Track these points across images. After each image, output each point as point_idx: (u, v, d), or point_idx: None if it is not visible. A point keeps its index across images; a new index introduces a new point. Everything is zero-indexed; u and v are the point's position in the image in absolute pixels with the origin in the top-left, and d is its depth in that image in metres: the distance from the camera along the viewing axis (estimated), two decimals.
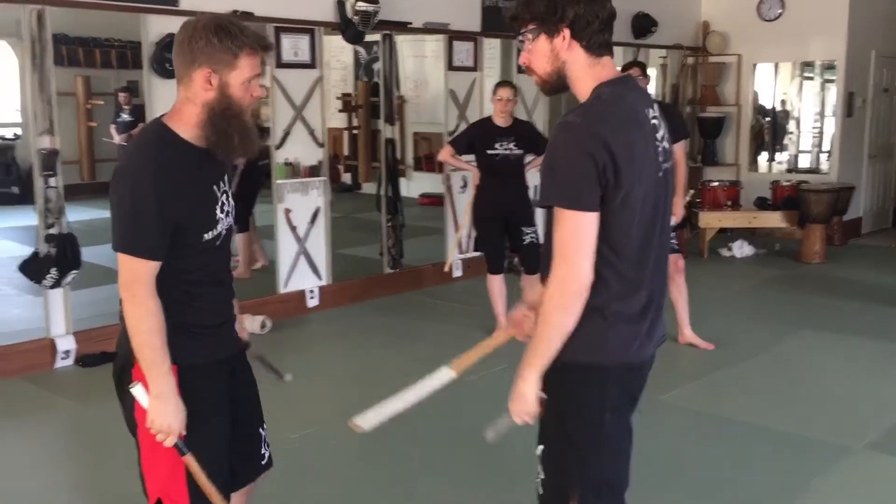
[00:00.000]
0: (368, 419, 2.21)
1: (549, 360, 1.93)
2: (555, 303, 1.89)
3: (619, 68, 5.73)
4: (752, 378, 4.85)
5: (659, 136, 2.00)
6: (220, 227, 2.11)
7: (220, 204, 2.10)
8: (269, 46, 2.07)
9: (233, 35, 1.96)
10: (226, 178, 2.16)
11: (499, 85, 5.46)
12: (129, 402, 2.10)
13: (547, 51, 1.97)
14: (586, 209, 1.86)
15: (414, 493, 3.47)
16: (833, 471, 3.63)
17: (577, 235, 1.86)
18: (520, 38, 2.00)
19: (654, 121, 1.99)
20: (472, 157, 5.52)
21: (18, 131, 10.02)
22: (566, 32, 1.94)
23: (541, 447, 2.08)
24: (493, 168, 5.34)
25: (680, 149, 5.25)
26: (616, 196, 1.87)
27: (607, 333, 1.96)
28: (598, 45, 1.96)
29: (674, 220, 5.12)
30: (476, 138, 5.43)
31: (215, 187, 2.09)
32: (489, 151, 5.34)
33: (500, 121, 5.37)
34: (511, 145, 5.32)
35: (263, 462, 2.38)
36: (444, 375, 2.20)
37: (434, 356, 5.03)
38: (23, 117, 10.00)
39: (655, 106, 2.04)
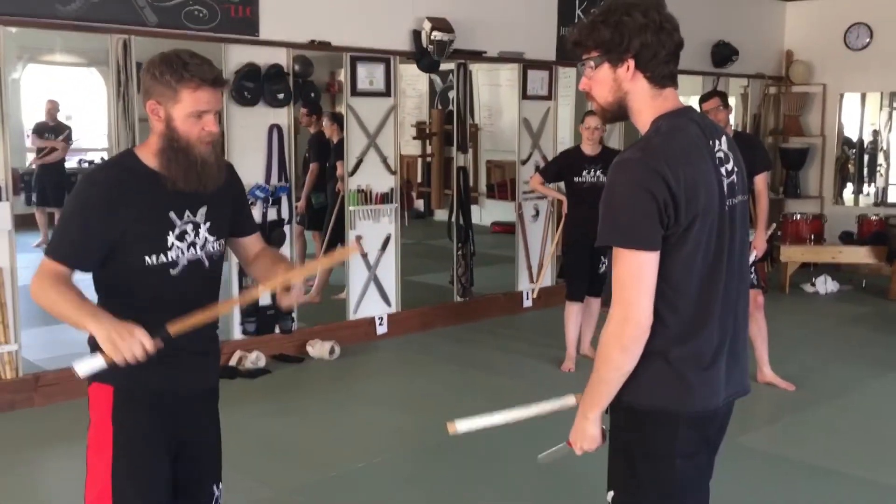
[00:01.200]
0: (466, 423, 2.06)
1: (609, 400, 1.90)
2: (614, 343, 1.83)
3: (697, 97, 5.74)
4: (836, 422, 4.63)
5: (728, 168, 1.91)
6: (176, 256, 2.08)
7: (178, 232, 2.08)
8: (215, 81, 2.04)
9: (173, 69, 1.99)
10: (202, 210, 2.12)
11: (587, 114, 5.47)
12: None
13: (609, 80, 1.90)
14: (645, 248, 1.79)
15: None
16: None
17: (635, 275, 1.80)
18: (581, 64, 1.94)
19: (719, 153, 1.90)
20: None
21: (106, 156, 10.39)
22: (631, 63, 1.87)
23: (611, 493, 2.00)
24: (581, 196, 5.33)
25: (761, 180, 5.11)
26: (676, 232, 1.80)
27: (672, 378, 1.87)
28: (663, 76, 1.88)
29: (755, 255, 4.99)
30: (564, 166, 5.46)
31: (173, 213, 2.07)
32: (577, 179, 5.36)
33: (589, 149, 5.38)
34: (598, 173, 5.31)
35: None
36: (567, 401, 2.06)
37: (502, 386, 5.01)
38: (109, 143, 10.39)
39: (724, 138, 1.95)
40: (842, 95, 9.07)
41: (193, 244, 2.11)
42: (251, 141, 5.47)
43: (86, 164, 10.21)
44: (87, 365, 1.92)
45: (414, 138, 10.27)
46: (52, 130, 8.78)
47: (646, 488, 1.94)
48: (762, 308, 5.12)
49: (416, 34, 6.16)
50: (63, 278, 2.00)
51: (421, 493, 3.71)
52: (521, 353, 5.81)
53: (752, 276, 5.07)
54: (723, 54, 8.40)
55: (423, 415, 4.67)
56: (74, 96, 9.97)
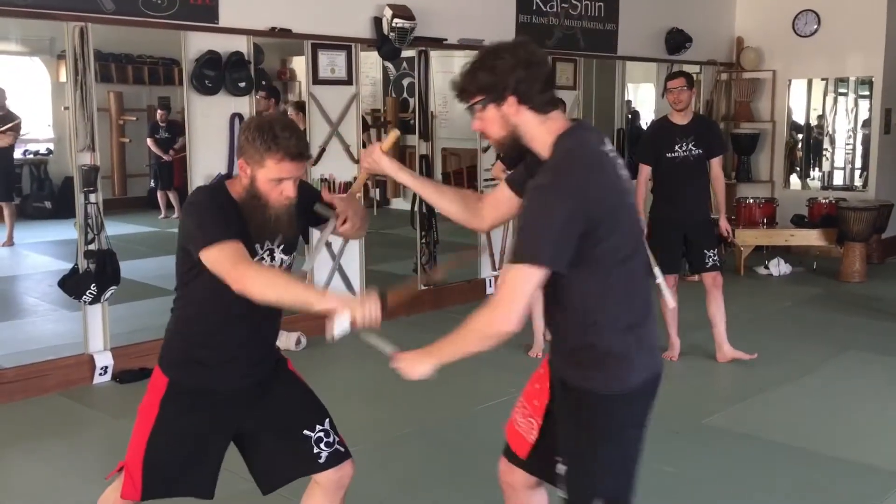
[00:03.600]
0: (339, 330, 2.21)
1: (451, 360, 2.11)
2: (478, 334, 2.05)
3: (652, 84, 5.77)
4: (800, 401, 4.75)
5: (620, 163, 2.10)
6: None
7: (256, 259, 2.33)
8: (299, 156, 2.25)
9: (264, 138, 2.21)
10: (279, 238, 2.39)
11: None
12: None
13: (497, 118, 2.07)
14: (540, 264, 1.94)
15: None
16: (890, 500, 3.52)
17: (522, 286, 1.96)
18: (469, 108, 2.10)
19: (612, 153, 2.09)
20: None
21: (51, 146, 10.11)
22: (512, 99, 2.03)
23: (562, 466, 2.15)
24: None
25: (717, 163, 5.28)
26: (602, 241, 1.98)
27: (634, 362, 2.10)
28: (544, 103, 2.06)
29: (721, 234, 5.30)
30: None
31: (257, 245, 2.35)
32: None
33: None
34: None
35: (321, 461, 2.49)
36: (387, 350, 2.26)
37: (467, 371, 5.01)
38: (55, 133, 10.12)
39: (608, 139, 2.15)
40: (790, 81, 9.26)
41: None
42: (213, 130, 5.38)
43: (31, 156, 9.93)
44: (339, 327, 2.12)
45: (369, 126, 10.21)
46: (1, 120, 8.48)
47: (599, 460, 2.11)
48: (721, 287, 5.26)
49: (378, 21, 6.12)
50: (257, 263, 2.31)
51: (389, 483, 3.72)
52: None
53: (714, 256, 5.20)
54: (676, 41, 8.51)
55: (391, 404, 4.66)
56: (16, 86, 9.67)
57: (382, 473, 3.79)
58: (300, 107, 6.76)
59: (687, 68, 8.84)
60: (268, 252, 2.39)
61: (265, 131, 2.21)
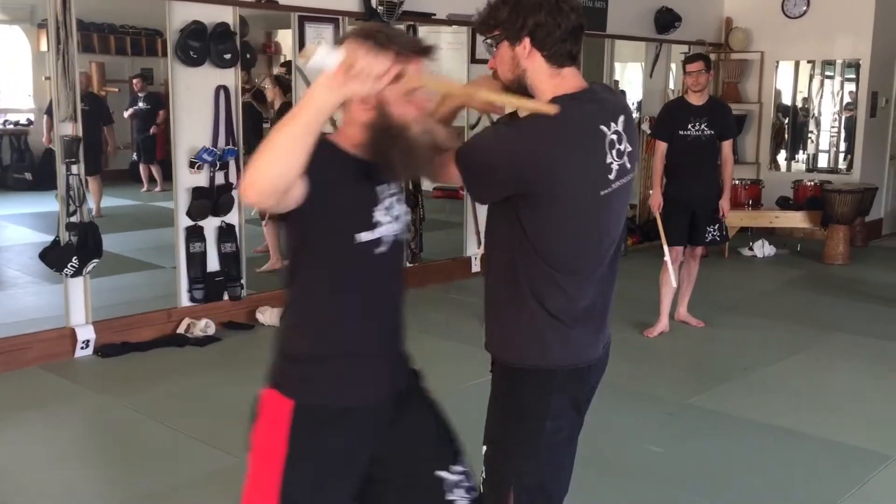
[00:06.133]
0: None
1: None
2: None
3: (640, 63, 5.76)
4: (783, 382, 4.77)
5: (619, 149, 1.96)
6: (383, 232, 1.85)
7: (383, 207, 1.85)
8: (423, 50, 1.80)
9: (379, 44, 1.69)
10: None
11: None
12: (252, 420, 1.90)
13: (508, 57, 1.98)
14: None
15: None
16: (874, 480, 3.54)
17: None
18: (485, 41, 2.02)
19: (613, 135, 1.95)
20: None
21: (31, 117, 9.96)
22: (527, 41, 1.94)
23: (484, 447, 2.09)
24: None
25: (728, 146, 5.55)
26: (536, 204, 1.90)
27: (549, 336, 1.98)
28: (560, 55, 1.95)
29: (723, 214, 5.52)
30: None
31: (378, 187, 1.85)
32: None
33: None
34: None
35: None
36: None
37: (452, 349, 5.00)
38: (36, 103, 9.96)
39: (622, 117, 1.99)
40: (778, 63, 9.25)
41: (398, 217, 1.92)
42: (197, 102, 5.29)
43: (10, 126, 9.78)
44: (321, 57, 1.55)
45: None
46: None
47: (514, 446, 2.03)
48: (699, 259, 5.64)
49: None
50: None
51: None
52: (475, 315, 5.82)
53: (715, 232, 5.54)
54: (666, 20, 8.46)
55: None
56: None
57: None
58: (280, 81, 6.71)
59: (675, 48, 8.89)
60: (393, 197, 1.88)
61: (372, 38, 1.72)
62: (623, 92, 9.53)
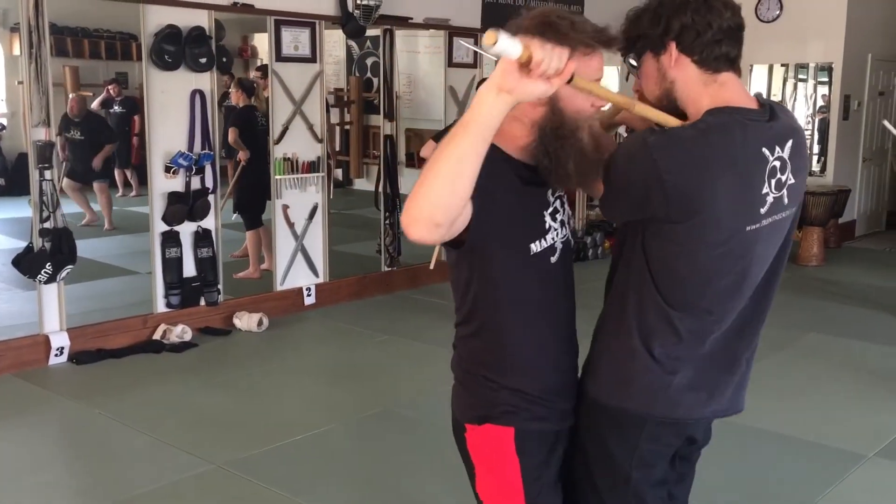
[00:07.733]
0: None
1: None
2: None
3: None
4: (759, 382, 4.74)
5: (780, 179, 1.66)
6: (554, 238, 1.73)
7: (551, 211, 1.73)
8: (609, 41, 1.62)
9: (562, 33, 1.53)
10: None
11: None
12: (469, 466, 1.85)
13: (654, 70, 1.69)
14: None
15: (415, 493, 3.40)
16: (848, 480, 3.58)
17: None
18: (627, 62, 1.75)
19: (776, 162, 1.65)
20: None
21: (4, 122, 9.85)
22: (672, 47, 1.66)
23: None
24: None
25: None
26: (669, 236, 1.63)
27: (642, 379, 1.74)
28: (715, 58, 1.65)
29: None
30: None
31: (548, 191, 1.72)
32: None
33: None
34: None
35: None
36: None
37: (431, 354, 5.00)
38: (8, 107, 9.84)
39: (791, 142, 1.68)
40: (752, 66, 9.33)
41: (564, 223, 1.83)
42: (173, 107, 5.26)
43: None
44: (505, 44, 1.37)
45: (332, 106, 10.09)
46: None
47: (598, 492, 1.85)
48: None
49: None
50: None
51: (357, 464, 3.69)
52: (449, 320, 5.81)
53: None
54: None
55: (355, 385, 4.64)
56: None
57: (351, 453, 3.77)
58: (242, 84, 6.74)
59: None
60: (558, 200, 1.75)
61: (553, 27, 1.55)
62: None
